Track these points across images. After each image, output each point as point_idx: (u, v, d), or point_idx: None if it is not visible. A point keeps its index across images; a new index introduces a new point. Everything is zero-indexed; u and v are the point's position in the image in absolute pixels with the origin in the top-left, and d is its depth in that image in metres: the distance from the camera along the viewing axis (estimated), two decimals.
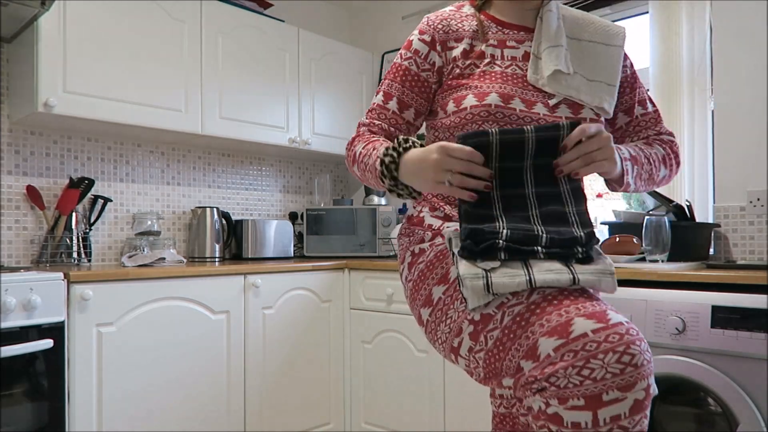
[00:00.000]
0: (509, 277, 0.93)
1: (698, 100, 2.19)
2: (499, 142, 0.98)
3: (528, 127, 0.98)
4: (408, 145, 1.06)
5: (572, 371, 0.83)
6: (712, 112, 2.18)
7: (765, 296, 1.44)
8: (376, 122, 1.21)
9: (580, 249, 0.97)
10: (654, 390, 0.85)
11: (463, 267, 0.96)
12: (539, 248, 0.96)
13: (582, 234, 0.97)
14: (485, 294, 0.94)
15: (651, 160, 1.17)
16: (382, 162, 1.07)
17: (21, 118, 2.15)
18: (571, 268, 0.95)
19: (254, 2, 2.75)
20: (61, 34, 2.05)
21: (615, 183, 1.12)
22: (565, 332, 0.86)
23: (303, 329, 2.45)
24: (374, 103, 1.23)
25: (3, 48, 2.23)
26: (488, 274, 0.94)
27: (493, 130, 0.98)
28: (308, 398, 2.46)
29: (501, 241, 0.95)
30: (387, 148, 1.07)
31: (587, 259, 0.98)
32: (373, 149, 1.12)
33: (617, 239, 1.92)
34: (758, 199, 2.04)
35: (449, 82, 1.17)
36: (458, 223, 1.07)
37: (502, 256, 0.95)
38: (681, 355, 1.54)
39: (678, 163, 1.24)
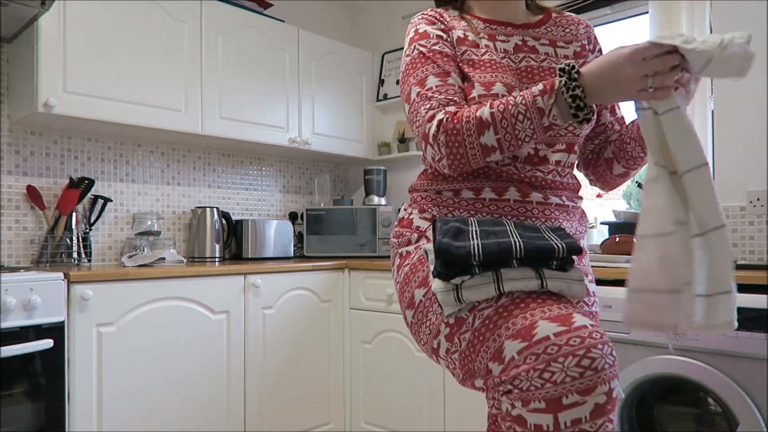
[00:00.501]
0: (478, 287, 0.95)
1: (698, 100, 2.19)
2: (482, 255, 0.95)
3: (518, 243, 0.96)
4: (574, 68, 0.96)
5: (534, 374, 0.84)
6: (712, 112, 2.18)
7: (765, 296, 1.44)
8: (454, 98, 1.08)
9: (555, 262, 0.97)
10: (618, 394, 0.85)
11: (436, 283, 0.99)
12: (514, 261, 0.96)
13: (561, 245, 0.96)
14: (456, 304, 0.97)
15: None
16: (569, 79, 0.95)
17: (21, 118, 2.15)
18: (541, 273, 0.96)
19: (254, 2, 2.75)
20: (61, 34, 2.05)
21: None
22: (528, 335, 0.87)
23: (303, 329, 2.45)
24: (428, 89, 1.09)
25: (3, 48, 2.23)
26: (459, 286, 0.96)
27: (476, 249, 0.95)
28: (308, 398, 2.46)
29: (475, 263, 0.95)
30: (561, 71, 0.96)
31: (559, 268, 0.98)
32: (515, 98, 1.00)
33: (617, 239, 1.92)
34: (758, 199, 2.04)
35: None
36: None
37: (476, 271, 0.96)
38: (681, 355, 1.54)
39: None
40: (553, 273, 0.96)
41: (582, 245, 1.18)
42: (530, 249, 0.95)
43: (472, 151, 1.03)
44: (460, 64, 1.14)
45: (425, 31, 1.16)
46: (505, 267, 0.96)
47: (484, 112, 1.01)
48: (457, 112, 1.04)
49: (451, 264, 0.96)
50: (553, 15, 1.25)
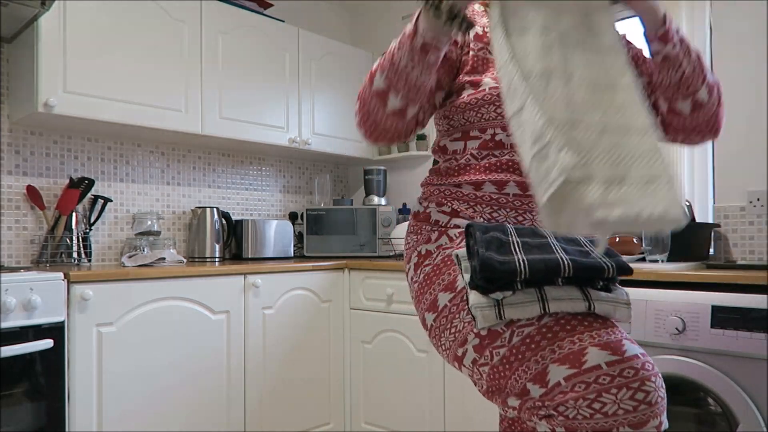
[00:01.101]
0: (522, 305, 0.90)
1: None
2: (528, 273, 0.90)
3: (566, 262, 0.91)
4: None
5: (583, 403, 0.81)
6: None
7: (765, 296, 1.43)
8: None
9: (602, 282, 0.94)
10: (665, 426, 0.83)
11: (474, 296, 0.93)
12: (560, 279, 0.92)
13: (611, 265, 0.92)
14: (496, 321, 0.91)
15: (700, 56, 1.04)
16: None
17: (21, 118, 2.15)
18: (587, 294, 0.91)
19: (254, 2, 2.75)
20: (61, 34, 2.05)
21: (655, 24, 1.01)
22: (577, 362, 0.83)
23: (303, 329, 2.45)
24: None
25: (3, 48, 2.23)
26: (500, 302, 0.91)
27: (522, 266, 0.90)
28: (308, 398, 2.46)
29: (519, 281, 0.90)
30: None
31: (604, 288, 0.95)
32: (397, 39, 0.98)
33: (617, 239, 1.92)
34: (758, 199, 2.04)
35: (464, 64, 1.14)
36: (465, 231, 1.02)
37: (518, 287, 0.91)
38: (681, 355, 1.54)
39: (720, 99, 1.08)
40: (600, 295, 0.92)
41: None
42: (579, 269, 0.91)
43: (372, 103, 1.01)
44: (471, 61, 1.12)
45: None
46: (548, 284, 0.91)
47: (376, 64, 1.00)
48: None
49: (493, 279, 0.91)
50: None
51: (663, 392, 0.83)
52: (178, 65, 2.37)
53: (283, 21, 2.82)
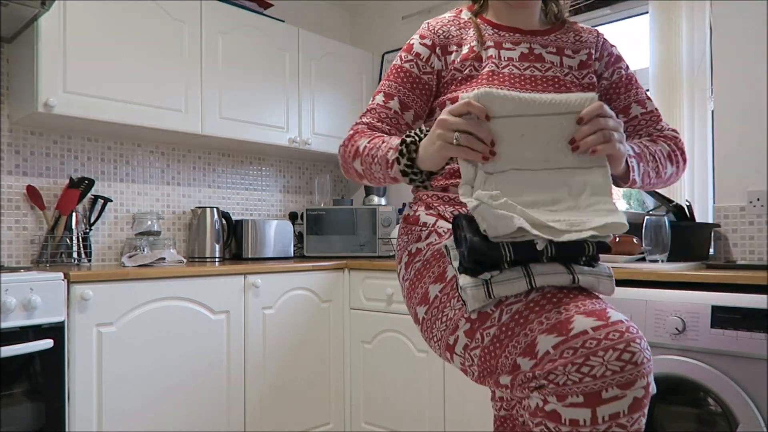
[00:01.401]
0: (509, 282, 0.94)
1: (698, 100, 2.19)
2: (513, 255, 0.95)
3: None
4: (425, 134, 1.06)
5: (571, 368, 0.83)
6: (712, 112, 2.18)
7: (765, 296, 1.44)
8: (376, 123, 1.21)
9: (584, 258, 0.97)
10: (653, 389, 0.86)
11: (463, 279, 0.97)
12: (544, 258, 0.96)
13: (591, 243, 0.96)
14: (486, 300, 0.95)
15: (656, 158, 1.16)
16: (404, 142, 1.05)
17: (21, 118, 2.15)
18: (571, 268, 0.96)
19: (254, 2, 2.75)
20: (61, 34, 2.05)
21: (620, 179, 1.10)
22: (564, 329, 0.86)
23: (303, 329, 2.45)
24: (375, 103, 1.23)
25: (3, 48, 2.23)
26: (489, 282, 0.95)
27: (508, 248, 0.94)
28: (308, 398, 2.46)
29: (507, 261, 0.94)
30: (408, 135, 1.06)
31: (587, 264, 0.99)
32: (382, 142, 1.11)
33: (617, 239, 1.92)
34: (758, 199, 2.04)
35: (448, 84, 1.20)
36: (452, 225, 1.06)
37: (505, 267, 0.95)
38: (681, 355, 1.54)
39: (684, 160, 1.22)
40: (583, 269, 0.97)
41: None
42: (561, 247, 0.94)
43: (350, 170, 1.20)
44: (455, 81, 1.18)
45: (412, 44, 1.24)
46: (533, 262, 0.95)
47: (362, 143, 1.15)
48: (354, 134, 1.19)
49: (481, 261, 0.95)
50: (566, 25, 1.26)
51: (648, 354, 0.86)
52: (178, 65, 2.37)
53: (283, 21, 2.82)
